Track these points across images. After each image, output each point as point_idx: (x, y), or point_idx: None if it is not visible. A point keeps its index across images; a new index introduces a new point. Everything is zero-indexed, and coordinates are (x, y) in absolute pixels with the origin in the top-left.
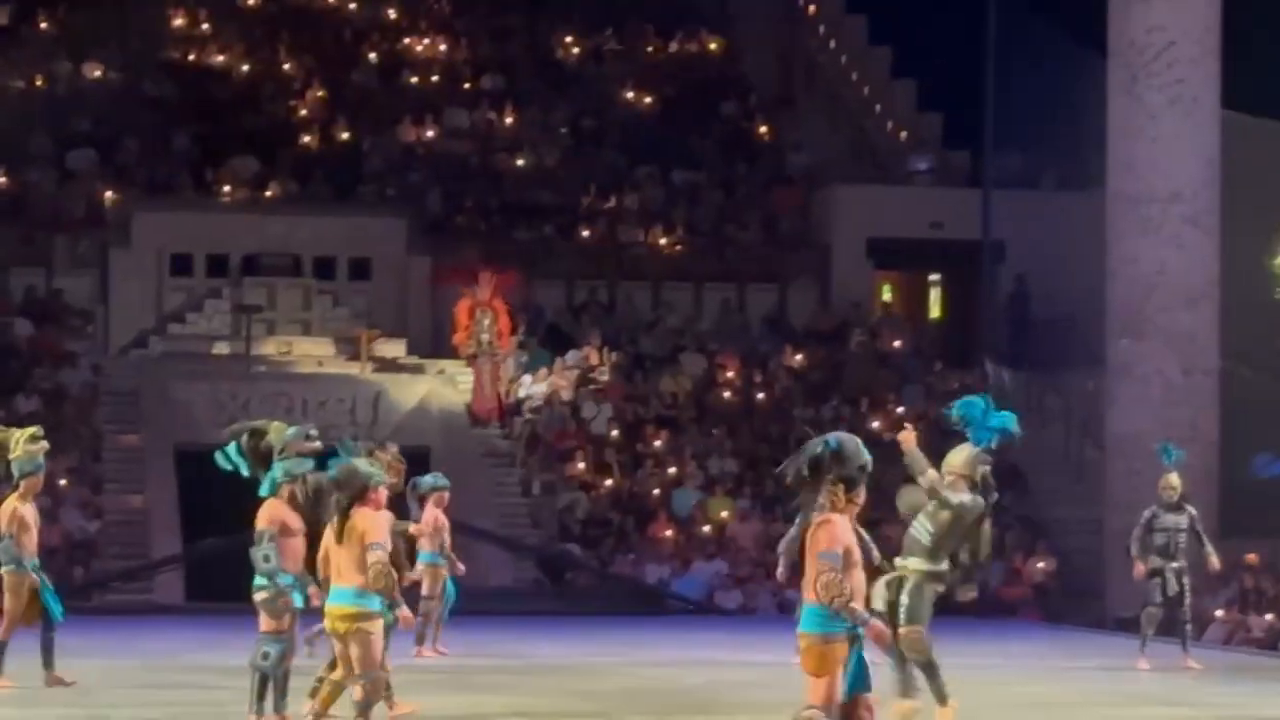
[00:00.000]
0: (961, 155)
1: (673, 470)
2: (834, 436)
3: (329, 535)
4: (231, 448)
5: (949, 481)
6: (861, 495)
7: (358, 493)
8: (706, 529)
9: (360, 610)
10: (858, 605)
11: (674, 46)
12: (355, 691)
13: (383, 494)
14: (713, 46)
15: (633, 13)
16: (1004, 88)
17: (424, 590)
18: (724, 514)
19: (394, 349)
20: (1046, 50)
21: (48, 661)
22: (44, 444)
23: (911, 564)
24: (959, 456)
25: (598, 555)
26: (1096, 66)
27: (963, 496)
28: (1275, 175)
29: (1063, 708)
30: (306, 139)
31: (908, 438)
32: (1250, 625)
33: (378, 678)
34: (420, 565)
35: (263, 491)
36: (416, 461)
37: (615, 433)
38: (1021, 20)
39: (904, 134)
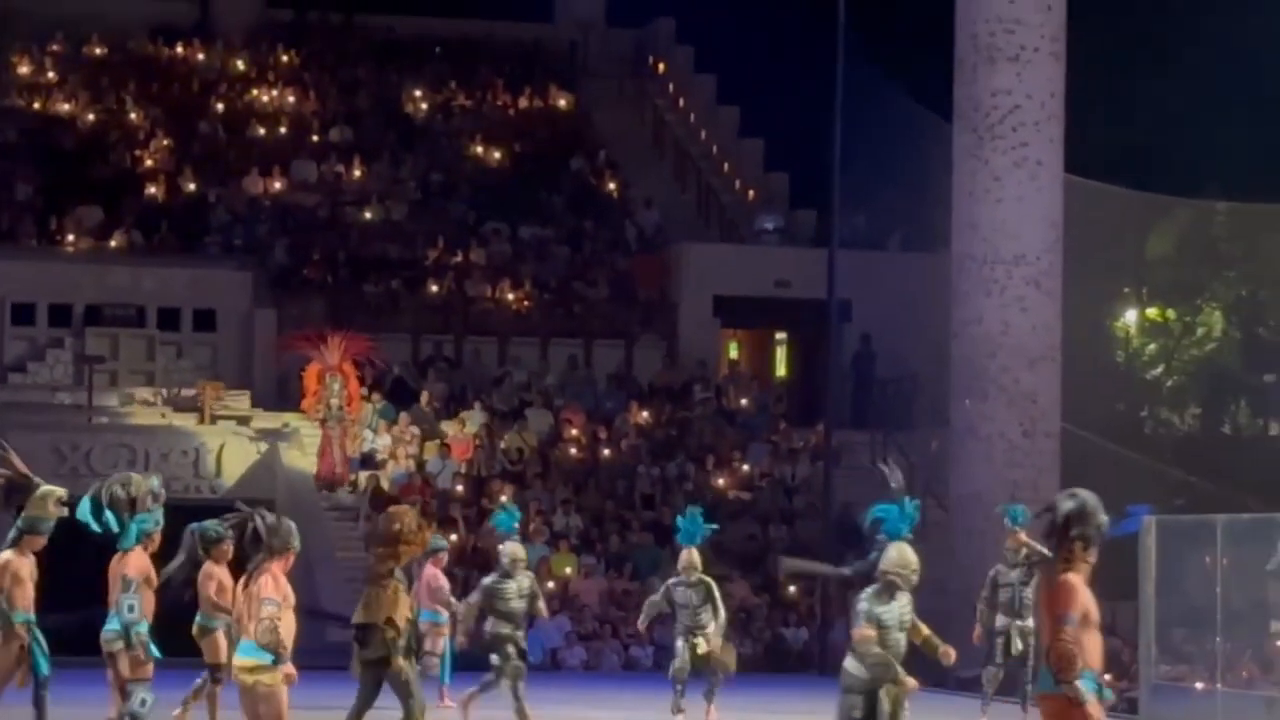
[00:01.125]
0: (808, 215)
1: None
2: (1080, 493)
3: (241, 583)
4: (88, 504)
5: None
6: (1094, 554)
7: (280, 550)
8: (551, 585)
9: (258, 663)
10: (1093, 668)
11: (523, 102)
12: None
13: (293, 558)
14: (562, 103)
15: (482, 68)
16: (851, 148)
17: (426, 646)
18: (568, 570)
19: (238, 402)
20: (894, 112)
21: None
22: (65, 510)
23: None
24: (902, 554)
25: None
26: (942, 129)
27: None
28: (1116, 239)
29: None
30: (152, 189)
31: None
32: None
33: None
34: (423, 624)
35: (126, 544)
36: None
37: (460, 488)
38: (869, 82)
39: (751, 193)
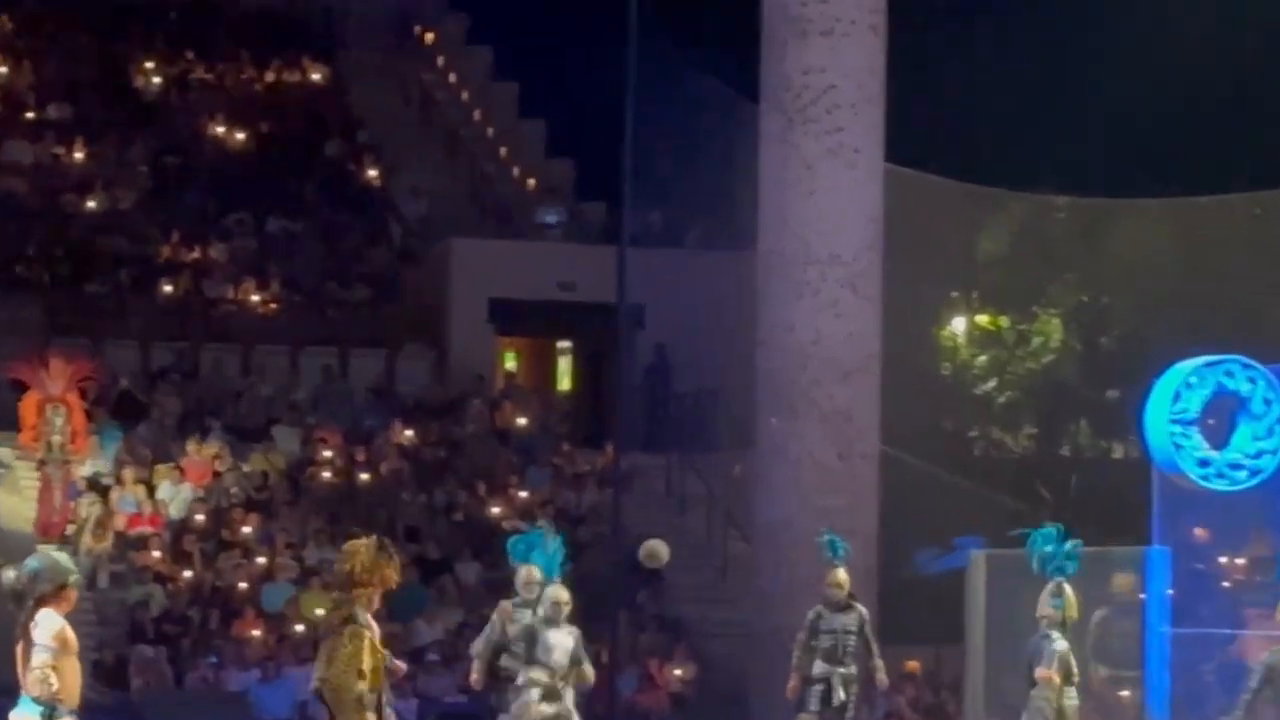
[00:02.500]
0: (596, 207)
1: (263, 560)
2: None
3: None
4: None
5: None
6: None
7: (52, 592)
8: (300, 628)
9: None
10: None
11: (271, 76)
12: None
13: (75, 594)
14: (316, 77)
15: (225, 37)
16: (645, 133)
17: None
18: (320, 611)
19: None
20: (694, 92)
21: None
22: None
23: None
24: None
25: (174, 657)
26: (749, 112)
27: None
28: (943, 237)
29: None
30: None
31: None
32: None
33: None
34: None
35: None
36: None
37: (199, 517)
38: (666, 58)
39: (532, 182)
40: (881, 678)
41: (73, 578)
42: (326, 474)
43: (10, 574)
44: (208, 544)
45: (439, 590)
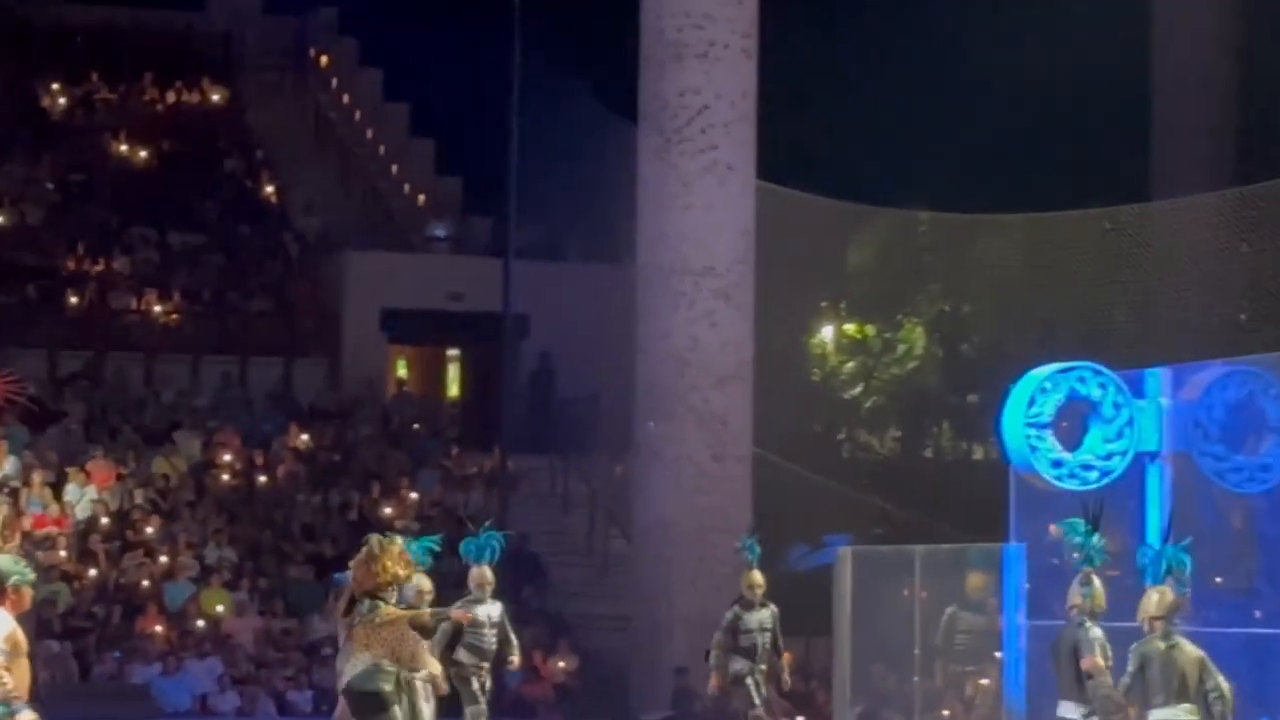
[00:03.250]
0: (483, 222)
1: (165, 560)
2: None
3: None
4: None
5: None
6: None
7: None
8: (201, 624)
9: None
10: None
11: (172, 96)
12: None
13: (25, 594)
14: (215, 98)
15: (127, 59)
16: (529, 151)
17: None
18: (220, 608)
19: None
20: (576, 112)
21: None
22: None
23: None
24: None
25: (80, 652)
26: (627, 131)
27: None
28: (813, 250)
29: None
30: None
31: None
32: None
33: None
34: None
35: None
36: None
37: (104, 519)
38: (549, 80)
39: (422, 198)
40: (785, 678)
41: (14, 578)
42: (226, 477)
43: None
44: (112, 544)
45: (325, 588)
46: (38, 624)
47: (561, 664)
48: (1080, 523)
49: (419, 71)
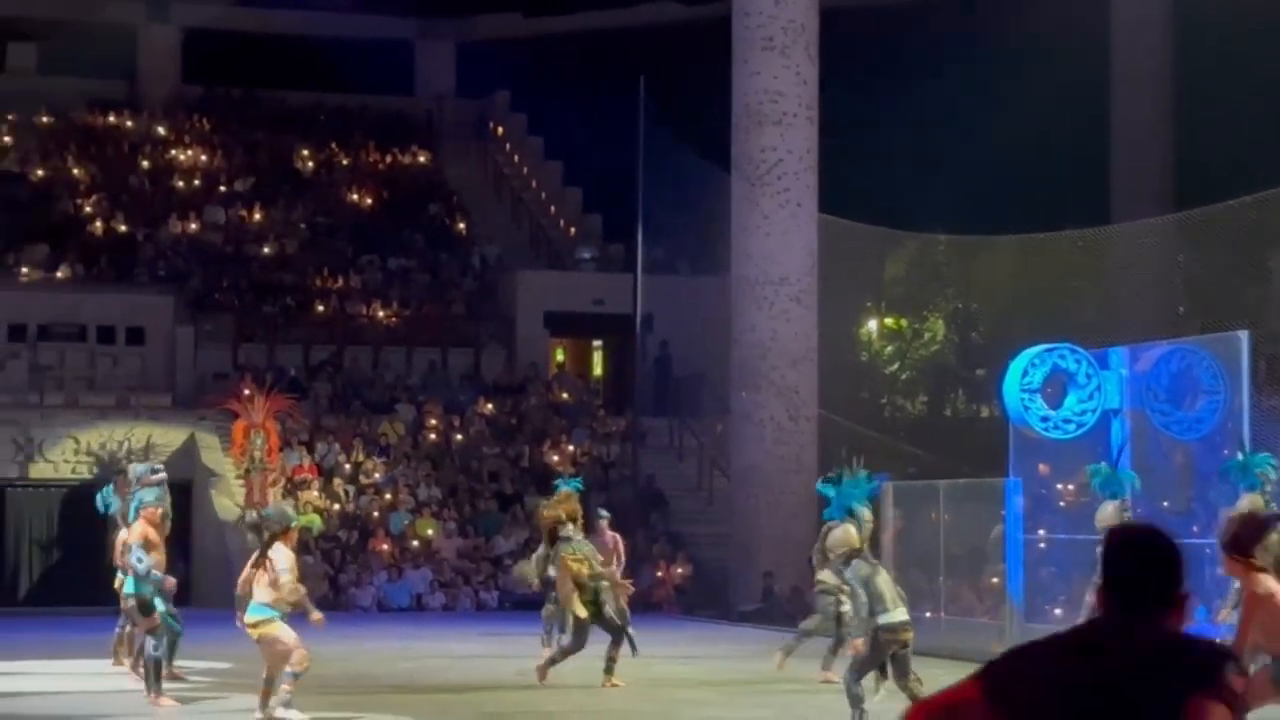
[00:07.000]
0: (618, 247)
1: (388, 496)
2: None
3: (252, 561)
4: (109, 489)
5: None
6: None
7: (281, 530)
8: (415, 543)
9: (263, 618)
10: None
11: (390, 159)
12: None
13: (296, 533)
14: (421, 159)
15: (357, 131)
16: (651, 194)
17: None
18: (429, 531)
19: (161, 401)
20: (684, 165)
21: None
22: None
23: None
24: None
25: (329, 565)
26: (723, 178)
27: None
28: (860, 264)
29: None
30: (91, 230)
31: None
32: None
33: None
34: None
35: (130, 516)
36: (181, 490)
37: (345, 467)
38: (665, 141)
39: (573, 230)
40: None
41: (294, 522)
42: (432, 436)
43: (252, 514)
44: (350, 486)
45: (512, 516)
46: (301, 546)
47: (679, 570)
48: (1103, 466)
49: (571, 137)
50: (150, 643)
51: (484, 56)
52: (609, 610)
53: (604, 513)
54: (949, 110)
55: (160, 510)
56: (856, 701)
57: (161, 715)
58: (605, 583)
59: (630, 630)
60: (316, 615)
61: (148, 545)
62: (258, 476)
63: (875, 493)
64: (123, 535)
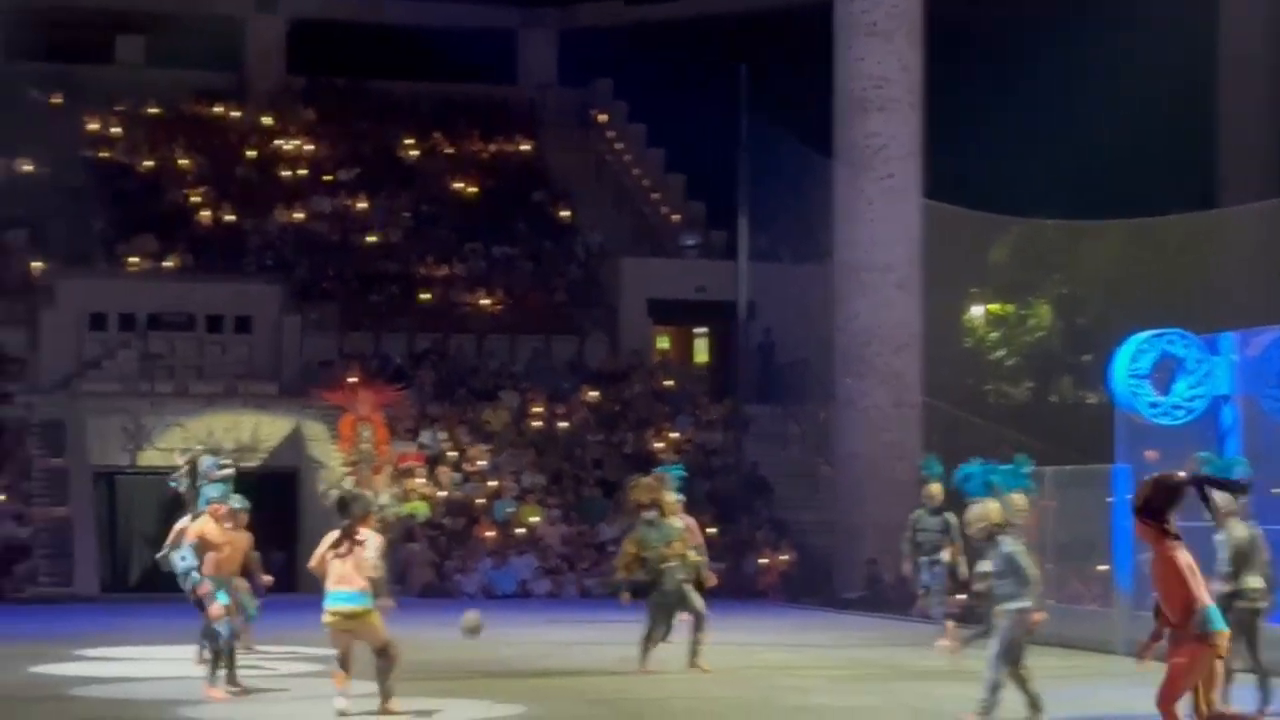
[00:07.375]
0: (721, 234)
1: (493, 483)
2: None
3: (332, 543)
4: (185, 474)
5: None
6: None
7: (363, 514)
8: (520, 530)
9: (358, 609)
10: None
11: (493, 147)
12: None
13: (374, 519)
14: (524, 147)
15: (461, 120)
16: (754, 181)
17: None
18: (534, 518)
19: (268, 389)
20: (787, 152)
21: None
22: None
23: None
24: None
25: (435, 552)
26: (825, 165)
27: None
28: (964, 250)
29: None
30: (199, 220)
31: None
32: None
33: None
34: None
35: (200, 503)
36: (286, 479)
37: (450, 454)
38: (767, 129)
39: (676, 217)
40: (961, 569)
41: (374, 508)
42: (537, 423)
43: (337, 491)
44: (455, 473)
45: (615, 503)
46: (404, 533)
47: (783, 557)
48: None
49: (673, 125)
50: (223, 630)
51: (586, 44)
52: (665, 589)
53: (678, 496)
54: (1054, 95)
55: (224, 508)
56: (995, 689)
57: (218, 705)
58: (673, 564)
59: (675, 621)
60: (389, 601)
61: (204, 544)
62: (366, 469)
63: (1026, 483)
64: (181, 523)
